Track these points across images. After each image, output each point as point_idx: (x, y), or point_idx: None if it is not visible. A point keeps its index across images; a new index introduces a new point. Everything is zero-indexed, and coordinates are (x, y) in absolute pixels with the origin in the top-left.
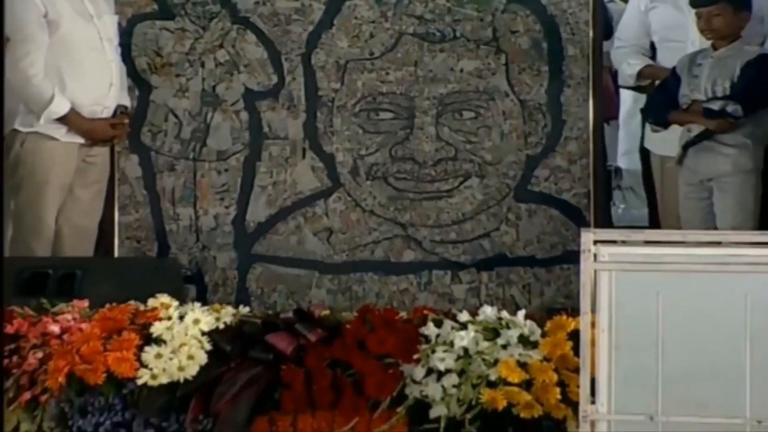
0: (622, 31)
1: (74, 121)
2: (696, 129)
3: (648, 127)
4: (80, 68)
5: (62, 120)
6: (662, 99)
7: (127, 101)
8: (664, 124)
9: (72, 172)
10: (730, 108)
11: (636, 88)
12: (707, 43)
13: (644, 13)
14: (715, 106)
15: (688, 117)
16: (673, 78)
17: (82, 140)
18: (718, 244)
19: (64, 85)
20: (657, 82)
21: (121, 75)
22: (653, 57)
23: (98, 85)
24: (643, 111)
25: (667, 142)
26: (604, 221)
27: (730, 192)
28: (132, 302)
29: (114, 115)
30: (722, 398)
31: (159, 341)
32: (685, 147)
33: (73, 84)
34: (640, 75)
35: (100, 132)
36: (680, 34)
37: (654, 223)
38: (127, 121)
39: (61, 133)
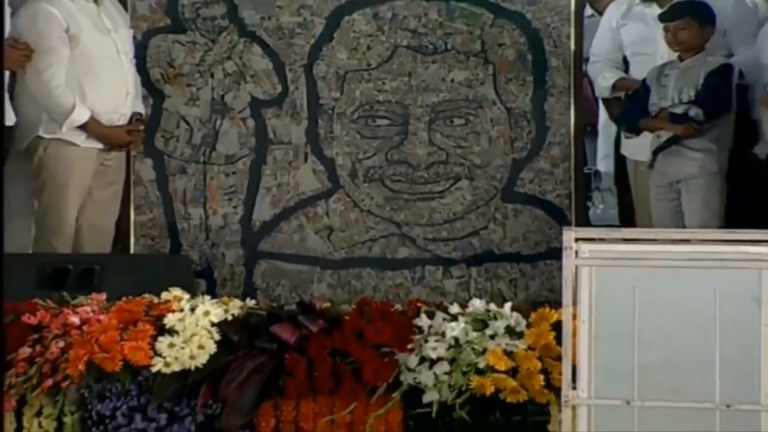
0: (596, 47)
1: (94, 128)
2: (665, 135)
3: (623, 134)
4: (99, 79)
5: (83, 127)
6: (633, 108)
7: (141, 109)
8: (636, 131)
9: (91, 175)
10: (693, 112)
11: (610, 100)
12: (674, 55)
13: (616, 30)
14: (679, 110)
15: (657, 124)
16: (643, 88)
17: (100, 145)
18: (687, 241)
19: (85, 95)
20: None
21: (136, 84)
22: (626, 70)
23: (116, 94)
24: (616, 120)
25: (639, 147)
26: (585, 220)
27: (697, 193)
28: (146, 295)
29: (130, 122)
30: (694, 384)
31: (171, 332)
32: (656, 152)
33: (93, 93)
34: (614, 87)
35: (118, 138)
36: (649, 48)
37: (628, 222)
38: (142, 127)
39: (81, 139)
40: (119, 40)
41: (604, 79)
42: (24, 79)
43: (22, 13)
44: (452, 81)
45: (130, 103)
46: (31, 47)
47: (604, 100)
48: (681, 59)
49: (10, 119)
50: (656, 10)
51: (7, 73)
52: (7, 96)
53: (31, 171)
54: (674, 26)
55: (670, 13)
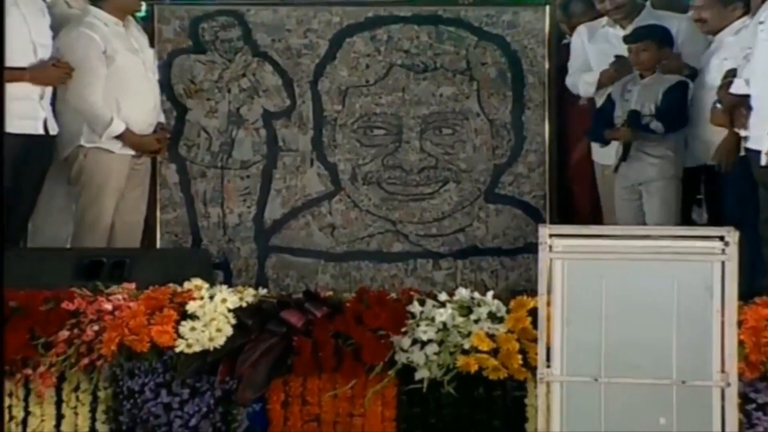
0: (572, 65)
1: (128, 138)
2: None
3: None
4: (131, 94)
5: (119, 137)
6: (600, 120)
7: (162, 119)
8: (603, 141)
9: (125, 178)
10: (653, 125)
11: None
12: (635, 73)
13: (584, 49)
14: (643, 121)
15: (617, 134)
16: (608, 103)
17: (133, 152)
18: (648, 237)
19: (120, 108)
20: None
21: (159, 97)
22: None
23: (145, 107)
24: (585, 131)
25: (605, 153)
26: (558, 218)
27: (656, 194)
28: (171, 285)
29: (155, 131)
30: (654, 363)
31: (193, 317)
32: (620, 157)
33: (126, 107)
34: (599, 83)
35: (148, 145)
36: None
37: (597, 220)
38: (168, 135)
39: (117, 147)
40: (145, 58)
41: (586, 81)
42: (66, 96)
43: (63, 36)
44: (441, 95)
45: (156, 114)
46: (72, 67)
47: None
48: (642, 76)
49: (53, 130)
50: (619, 31)
51: (49, 89)
52: (50, 109)
53: (71, 176)
54: (636, 47)
55: (633, 36)
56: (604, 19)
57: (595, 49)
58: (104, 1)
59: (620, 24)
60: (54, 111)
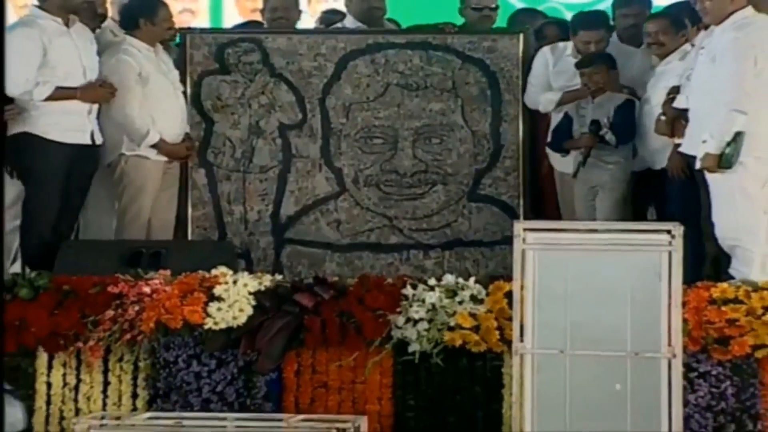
0: (532, 81)
1: (161, 147)
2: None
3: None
4: (163, 108)
5: (154, 146)
6: (559, 134)
7: (188, 129)
8: (564, 151)
9: (159, 180)
10: (608, 137)
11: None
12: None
13: (547, 72)
14: (600, 131)
15: (579, 143)
16: (565, 119)
17: (165, 159)
18: (607, 231)
19: (154, 121)
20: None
21: (185, 110)
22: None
23: (174, 120)
24: (547, 144)
25: (563, 162)
26: (530, 215)
27: (610, 195)
28: (200, 271)
29: (183, 140)
30: (611, 337)
31: (219, 299)
32: (579, 164)
33: (159, 120)
34: (561, 101)
35: (178, 153)
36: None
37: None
38: (195, 144)
39: (153, 154)
40: (173, 79)
41: (548, 99)
42: (109, 112)
43: (105, 61)
44: (430, 110)
45: (183, 126)
46: (115, 87)
47: None
48: (593, 96)
49: (99, 140)
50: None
51: (96, 106)
52: (96, 123)
53: (113, 179)
54: (589, 71)
55: (585, 62)
56: (569, 48)
57: (556, 71)
58: (138, 30)
59: (579, 51)
60: (99, 124)
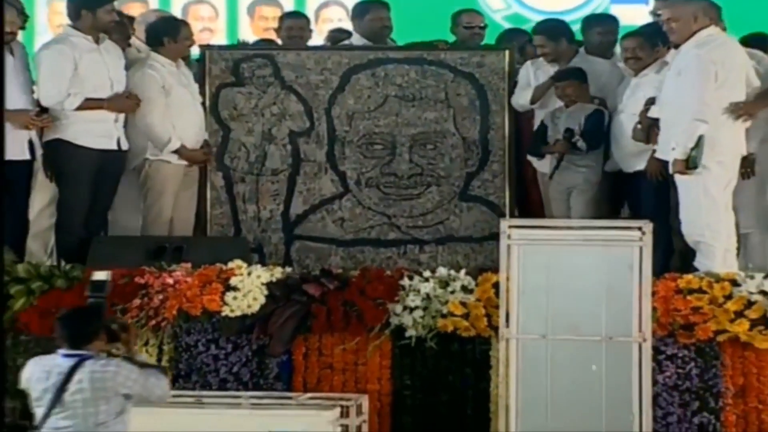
0: (517, 91)
1: (182, 152)
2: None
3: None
4: (183, 117)
5: (175, 151)
6: (537, 140)
7: (206, 136)
8: (540, 155)
9: (180, 182)
10: (579, 144)
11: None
12: (562, 104)
13: (529, 83)
14: (573, 138)
15: (553, 149)
16: (542, 126)
17: (185, 163)
18: (584, 228)
19: (175, 129)
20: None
21: (203, 120)
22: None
23: (194, 127)
24: (527, 150)
25: (543, 164)
26: (515, 214)
27: (583, 195)
28: (218, 264)
29: (202, 146)
30: (588, 324)
31: (235, 289)
32: (554, 167)
33: (180, 128)
34: (533, 99)
35: (198, 157)
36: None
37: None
38: (214, 149)
39: (174, 159)
40: (192, 91)
41: (523, 96)
42: (135, 120)
43: (132, 74)
44: (425, 119)
45: (202, 133)
46: (140, 98)
47: None
48: (567, 106)
49: (125, 146)
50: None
51: (122, 115)
52: (122, 130)
53: (139, 182)
54: (562, 85)
55: (559, 75)
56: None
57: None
58: (162, 47)
59: (557, 62)
60: (125, 132)
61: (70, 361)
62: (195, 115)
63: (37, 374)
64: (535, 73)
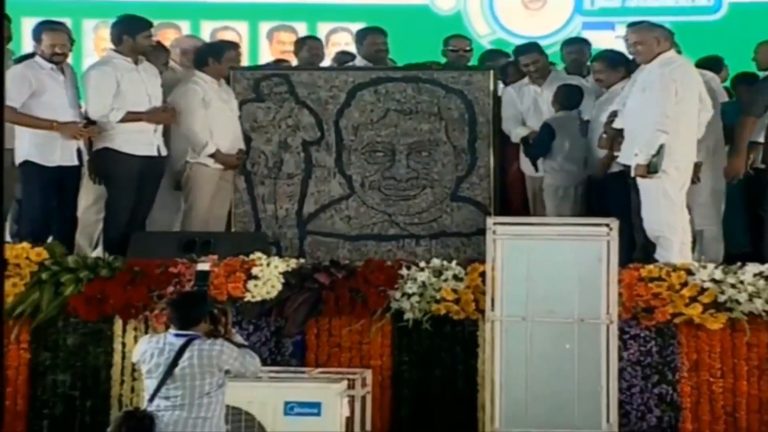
0: (504, 114)
1: (217, 156)
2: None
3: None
4: (221, 127)
5: (212, 156)
6: (543, 142)
7: (242, 146)
8: (537, 158)
9: (216, 184)
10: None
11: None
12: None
13: (515, 105)
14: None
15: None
16: (546, 128)
17: (221, 167)
18: (558, 224)
19: (213, 136)
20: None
21: (238, 131)
22: (524, 123)
23: (229, 137)
24: (532, 153)
25: (530, 169)
26: (499, 212)
27: (571, 194)
28: (241, 256)
29: (237, 154)
30: (562, 307)
31: (256, 277)
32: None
33: (217, 136)
34: (526, 136)
35: (232, 162)
36: (539, 111)
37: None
38: (244, 157)
39: (211, 162)
40: (231, 106)
41: (517, 133)
42: (178, 127)
43: (176, 90)
44: (421, 130)
45: (237, 142)
46: (179, 110)
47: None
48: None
49: (164, 152)
50: (537, 87)
51: (160, 126)
52: (161, 138)
53: (180, 182)
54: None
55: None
56: (526, 79)
57: (525, 107)
58: (207, 67)
59: (536, 83)
60: (168, 139)
61: (181, 340)
62: (231, 126)
63: (150, 350)
64: (520, 98)
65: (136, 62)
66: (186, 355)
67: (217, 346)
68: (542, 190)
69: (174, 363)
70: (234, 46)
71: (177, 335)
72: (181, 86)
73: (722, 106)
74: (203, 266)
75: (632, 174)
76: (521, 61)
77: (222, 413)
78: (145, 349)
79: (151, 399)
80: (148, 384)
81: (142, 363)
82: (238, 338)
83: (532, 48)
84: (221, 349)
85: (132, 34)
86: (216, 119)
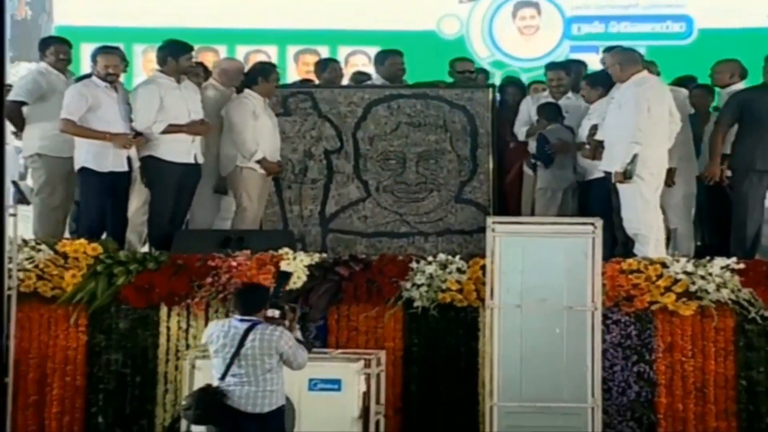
0: (518, 119)
1: (263, 163)
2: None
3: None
4: (266, 139)
5: (259, 162)
6: (540, 149)
7: (279, 157)
8: (550, 161)
9: (261, 187)
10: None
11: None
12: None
13: (529, 113)
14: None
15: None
16: (541, 138)
17: (264, 172)
18: (549, 223)
19: (259, 145)
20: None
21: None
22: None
23: (272, 147)
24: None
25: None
26: (498, 212)
27: (566, 196)
28: (270, 251)
29: (278, 162)
30: (552, 296)
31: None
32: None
33: (263, 144)
34: (528, 131)
35: (274, 169)
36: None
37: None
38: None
39: (257, 167)
40: (274, 122)
41: (522, 131)
42: (231, 135)
43: (230, 104)
44: (428, 140)
45: (277, 153)
46: (233, 120)
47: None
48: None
49: (200, 160)
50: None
51: (199, 138)
52: (199, 148)
53: (229, 184)
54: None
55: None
56: (546, 92)
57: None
58: (256, 85)
59: (555, 97)
60: (215, 147)
61: (245, 325)
62: (274, 139)
63: (217, 333)
64: (535, 106)
65: (178, 81)
66: (249, 338)
67: (277, 332)
68: (536, 192)
69: (240, 345)
70: (276, 68)
71: (241, 320)
72: (235, 100)
73: (690, 118)
74: (286, 268)
75: (612, 180)
76: (548, 76)
77: (283, 385)
78: (212, 332)
79: (223, 377)
80: (216, 362)
81: (209, 343)
82: (298, 334)
83: (559, 66)
84: (280, 335)
85: (175, 57)
86: (262, 131)
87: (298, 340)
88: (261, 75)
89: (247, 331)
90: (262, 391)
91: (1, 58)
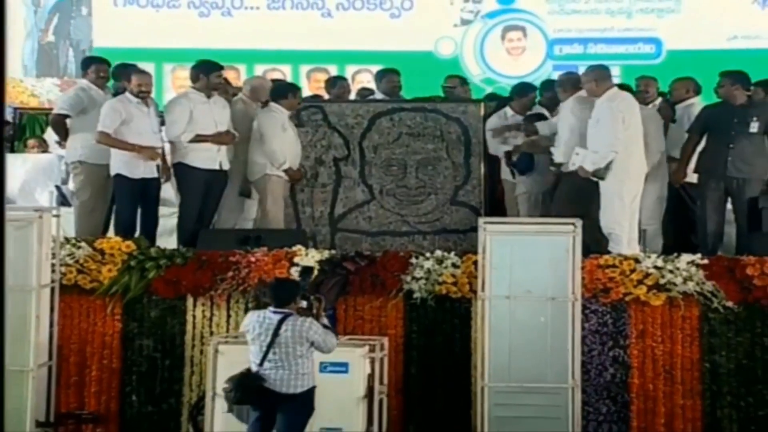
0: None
1: (289, 171)
2: None
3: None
4: (291, 149)
5: (285, 171)
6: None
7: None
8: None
9: (285, 192)
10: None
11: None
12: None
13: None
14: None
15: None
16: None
17: (287, 179)
18: (534, 223)
19: (286, 155)
20: None
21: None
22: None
23: (295, 156)
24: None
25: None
26: (489, 214)
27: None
28: (285, 248)
29: (298, 170)
30: (537, 288)
31: (297, 265)
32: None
33: (289, 154)
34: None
35: (297, 176)
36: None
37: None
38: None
39: (283, 175)
40: (295, 133)
41: (499, 148)
42: (263, 146)
43: (262, 116)
44: (427, 149)
45: (298, 161)
46: (264, 131)
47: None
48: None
49: (226, 166)
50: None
51: (225, 147)
52: (225, 155)
53: (259, 190)
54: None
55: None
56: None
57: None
58: (285, 100)
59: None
60: (249, 154)
61: (278, 316)
62: (297, 149)
63: (254, 323)
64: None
65: (209, 96)
66: (283, 328)
67: (307, 323)
68: (516, 196)
69: (275, 335)
70: (300, 88)
71: (274, 312)
72: (266, 112)
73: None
74: (308, 263)
75: (581, 174)
76: (543, 94)
77: (314, 369)
78: (249, 322)
79: (261, 363)
80: (253, 349)
81: (247, 332)
82: (324, 321)
83: (551, 86)
84: (309, 326)
85: (206, 74)
86: (288, 143)
87: (324, 326)
88: (290, 91)
89: (280, 322)
90: (294, 375)
91: (2, 60)
